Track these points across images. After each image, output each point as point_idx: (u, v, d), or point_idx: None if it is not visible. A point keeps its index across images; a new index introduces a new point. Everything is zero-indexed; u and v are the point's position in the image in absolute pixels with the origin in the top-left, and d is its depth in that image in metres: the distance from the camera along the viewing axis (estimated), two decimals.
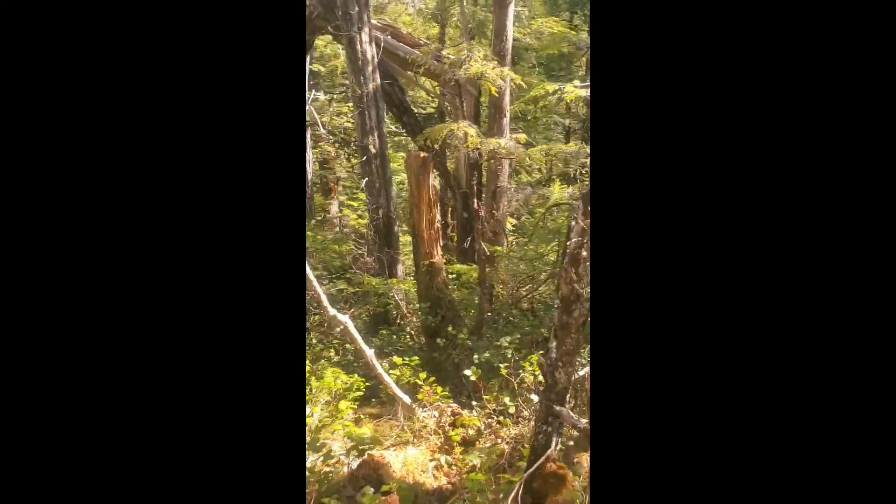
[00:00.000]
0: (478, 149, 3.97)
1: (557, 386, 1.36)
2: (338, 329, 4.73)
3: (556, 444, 1.33)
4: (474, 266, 6.08)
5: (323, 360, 3.80)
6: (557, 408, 1.31)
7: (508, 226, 8.73)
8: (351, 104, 8.49)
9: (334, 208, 9.44)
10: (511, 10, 6.53)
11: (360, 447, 2.40)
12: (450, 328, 4.23)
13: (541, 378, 3.06)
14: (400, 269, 6.30)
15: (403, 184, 9.37)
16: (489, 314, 4.87)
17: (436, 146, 4.18)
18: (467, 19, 7.13)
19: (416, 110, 7.67)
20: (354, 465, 2.47)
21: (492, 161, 6.10)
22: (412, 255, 7.91)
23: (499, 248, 5.98)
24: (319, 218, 8.85)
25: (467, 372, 3.06)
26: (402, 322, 5.81)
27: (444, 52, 4.49)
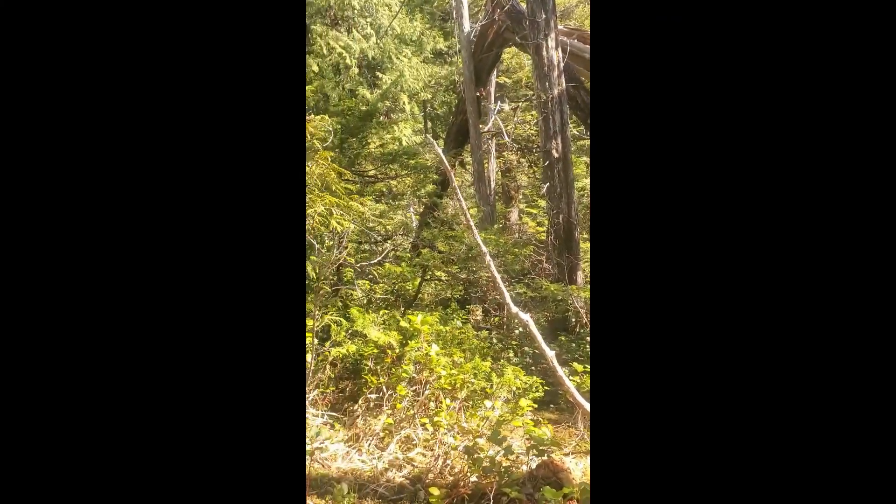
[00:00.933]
0: None
1: None
2: (518, 331, 4.80)
3: None
4: None
5: (503, 360, 3.90)
6: None
7: None
8: (534, 112, 8.60)
9: (514, 216, 9.66)
10: None
11: (541, 447, 2.39)
12: None
13: None
14: (580, 276, 6.10)
15: (584, 189, 9.09)
16: None
17: None
18: None
19: None
20: (534, 464, 2.46)
21: None
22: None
23: None
24: (500, 225, 9.15)
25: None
26: (582, 331, 5.61)
27: None
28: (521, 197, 9.98)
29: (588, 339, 5.41)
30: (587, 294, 5.52)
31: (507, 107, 8.46)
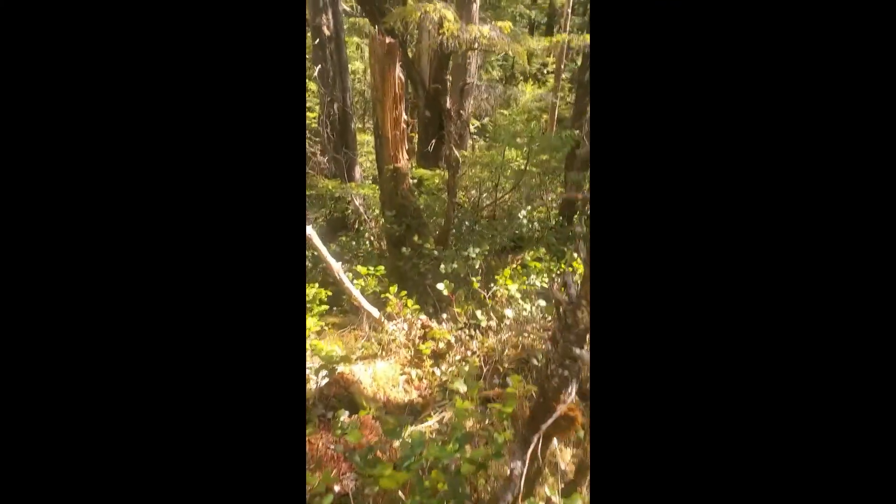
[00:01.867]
0: (456, 37, 3.46)
1: (578, 327, 1.22)
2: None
3: (573, 392, 1.22)
4: (438, 171, 5.77)
5: None
6: (577, 350, 1.18)
7: (471, 128, 8.27)
8: None
9: None
10: None
11: (330, 365, 2.27)
12: (416, 237, 4.03)
13: (514, 293, 2.98)
14: (357, 171, 5.89)
15: (356, 73, 8.51)
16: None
17: (400, 32, 3.62)
18: None
19: None
20: (323, 382, 2.35)
21: (458, 53, 5.52)
22: (369, 157, 7.43)
23: (465, 152, 5.65)
24: None
25: (440, 286, 2.92)
26: (362, 228, 5.55)
27: None
28: None
29: (367, 236, 5.41)
30: (366, 191, 5.39)
31: None
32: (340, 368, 2.40)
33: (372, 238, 5.39)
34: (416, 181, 5.54)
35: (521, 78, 12.30)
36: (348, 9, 6.70)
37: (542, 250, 4.09)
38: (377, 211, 5.66)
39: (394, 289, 2.87)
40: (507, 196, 6.13)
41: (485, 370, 2.50)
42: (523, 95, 8.32)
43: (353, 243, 5.21)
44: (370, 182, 6.43)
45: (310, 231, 2.31)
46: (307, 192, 5.31)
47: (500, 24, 3.61)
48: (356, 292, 2.75)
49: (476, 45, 3.50)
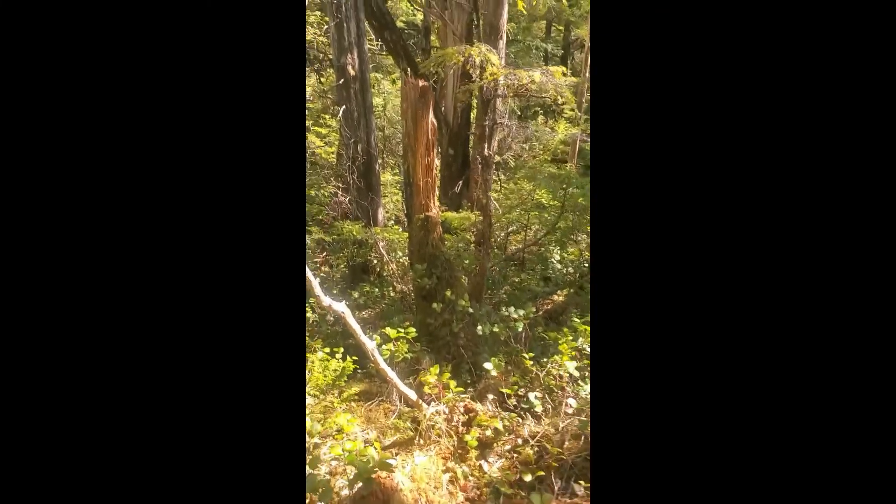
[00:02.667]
0: (501, 82, 3.20)
1: None
2: (331, 317, 4.02)
3: None
4: (465, 213, 5.48)
5: (311, 355, 3.13)
6: None
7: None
8: (319, 12, 7.24)
9: None
10: None
11: (366, 476, 1.91)
12: (448, 292, 3.70)
13: (572, 371, 2.61)
14: (381, 213, 5.62)
15: (382, 115, 8.37)
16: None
17: (432, 74, 3.37)
18: None
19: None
20: (357, 486, 1.99)
21: (484, 91, 5.30)
22: (392, 197, 7.20)
23: (492, 193, 5.37)
24: None
25: (488, 365, 2.56)
26: (384, 271, 5.25)
27: None
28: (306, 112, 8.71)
29: (392, 281, 5.10)
30: (389, 235, 5.10)
31: None
32: (377, 473, 2.03)
33: (395, 283, 5.08)
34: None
35: (541, 112, 12.15)
36: (373, 47, 6.57)
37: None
38: (400, 254, 5.37)
39: (435, 370, 2.52)
40: (535, 234, 5.82)
41: (550, 475, 2.11)
42: (544, 132, 8.12)
43: (377, 290, 4.89)
44: (392, 223, 6.16)
45: (342, 307, 1.99)
46: (328, 237, 5.04)
47: (553, 68, 3.35)
48: (392, 374, 2.41)
49: (525, 91, 3.23)
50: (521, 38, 12.71)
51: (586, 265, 5.26)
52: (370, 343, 2.19)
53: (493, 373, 2.55)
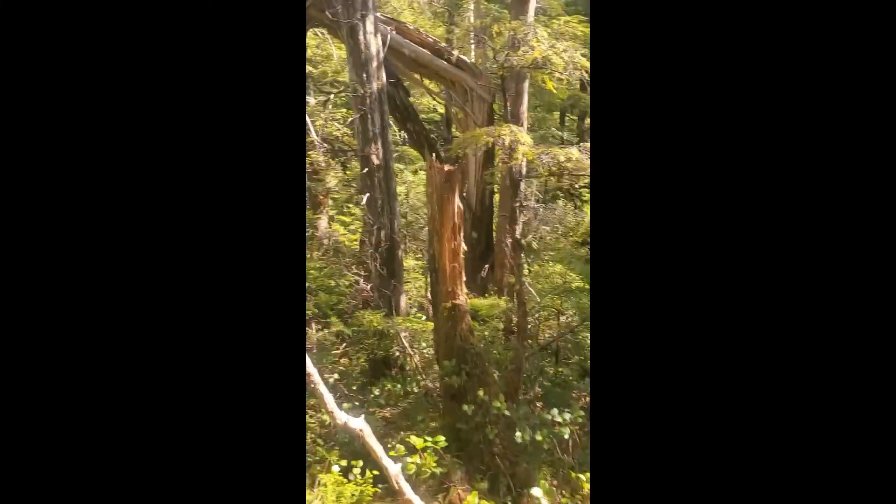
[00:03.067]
0: (527, 160, 3.05)
1: None
2: (345, 439, 3.47)
3: None
4: (493, 300, 5.18)
5: (323, 475, 2.62)
6: None
7: None
8: (345, 109, 7.56)
9: (323, 223, 8.46)
10: (532, 6, 5.73)
11: None
12: (480, 392, 3.29)
13: None
14: (403, 300, 5.35)
15: (405, 202, 8.45)
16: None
17: (463, 157, 3.26)
18: (481, 15, 6.30)
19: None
20: None
21: (513, 172, 5.25)
22: (414, 283, 6.99)
23: (526, 278, 5.11)
24: (307, 234, 7.85)
25: (536, 492, 2.12)
26: (406, 364, 4.86)
27: (494, 28, 3.57)
28: (330, 202, 8.85)
29: (417, 376, 4.69)
30: (413, 325, 4.79)
31: (311, 100, 7.24)
32: None
33: (420, 378, 4.66)
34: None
35: (561, 195, 12.26)
36: (397, 138, 6.74)
37: None
38: (424, 345, 5.01)
39: (473, 497, 2.08)
40: (569, 321, 5.42)
41: None
42: (570, 213, 8.08)
43: (399, 387, 4.48)
44: (415, 311, 5.86)
45: (360, 423, 1.64)
46: (348, 329, 4.75)
47: (585, 144, 3.21)
48: (419, 502, 1.98)
49: (560, 171, 3.07)
50: (538, 127, 13.17)
51: None
52: (394, 467, 1.81)
53: (544, 501, 2.10)
